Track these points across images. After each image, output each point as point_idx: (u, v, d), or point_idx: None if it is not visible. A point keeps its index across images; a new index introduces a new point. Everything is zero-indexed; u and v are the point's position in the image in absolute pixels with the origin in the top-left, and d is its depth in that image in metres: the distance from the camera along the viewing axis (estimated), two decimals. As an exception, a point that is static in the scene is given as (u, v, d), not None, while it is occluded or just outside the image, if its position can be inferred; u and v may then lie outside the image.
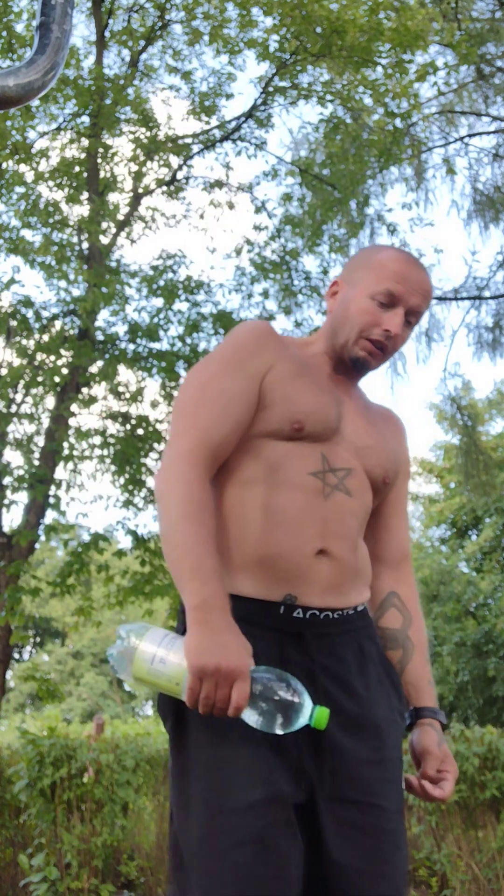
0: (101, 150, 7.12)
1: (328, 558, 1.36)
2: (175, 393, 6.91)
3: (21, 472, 6.61)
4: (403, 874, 1.29)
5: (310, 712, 1.18)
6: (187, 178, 8.09)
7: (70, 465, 6.98)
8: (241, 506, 1.36)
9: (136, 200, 7.84)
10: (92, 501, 7.21)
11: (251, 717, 1.18)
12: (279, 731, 1.17)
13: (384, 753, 1.33)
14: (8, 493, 6.60)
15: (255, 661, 1.25)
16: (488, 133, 9.64)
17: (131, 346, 7.17)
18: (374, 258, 1.49)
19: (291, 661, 1.30)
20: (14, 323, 6.79)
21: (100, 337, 7.07)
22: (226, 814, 1.20)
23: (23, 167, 6.99)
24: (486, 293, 9.37)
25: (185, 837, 1.25)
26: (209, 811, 1.21)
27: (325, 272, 8.29)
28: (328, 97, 7.58)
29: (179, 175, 7.98)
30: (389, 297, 1.44)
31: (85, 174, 7.14)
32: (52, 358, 6.67)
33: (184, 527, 1.26)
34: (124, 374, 7.40)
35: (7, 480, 6.63)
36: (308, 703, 1.18)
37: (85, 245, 7.28)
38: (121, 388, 7.21)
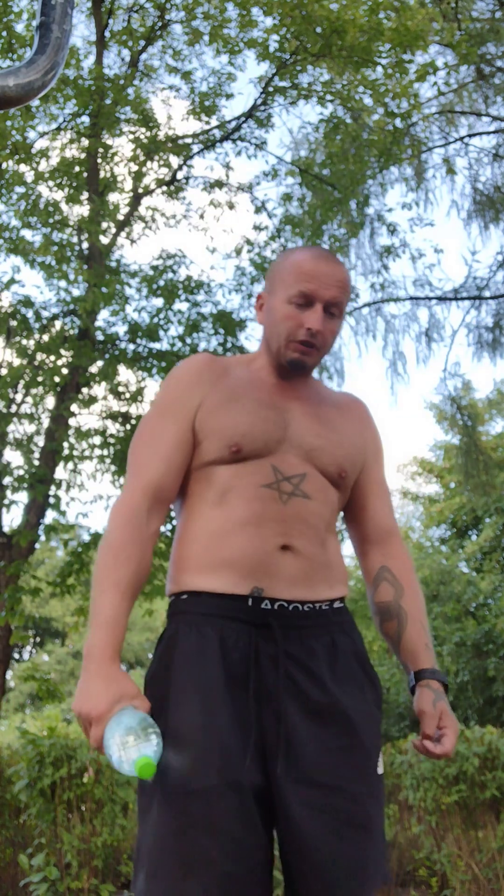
0: (101, 150, 7.11)
1: (293, 553, 1.43)
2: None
3: (21, 472, 6.61)
4: (372, 855, 1.33)
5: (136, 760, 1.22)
6: (187, 178, 8.09)
7: (70, 465, 6.98)
8: (206, 521, 1.46)
9: (136, 200, 7.84)
10: (92, 501, 7.20)
11: (111, 755, 1.25)
12: (125, 770, 1.23)
13: (352, 740, 1.37)
14: (8, 493, 6.60)
15: (227, 651, 1.37)
16: (488, 133, 9.64)
17: (131, 346, 7.17)
18: (285, 264, 1.56)
19: (261, 651, 1.38)
20: (14, 323, 6.79)
21: (100, 337, 7.06)
22: (181, 797, 1.28)
23: (23, 167, 6.99)
24: (486, 293, 9.37)
25: (146, 817, 1.33)
26: (168, 793, 1.30)
27: (325, 272, 8.26)
28: (328, 97, 7.58)
29: (179, 175, 7.98)
30: (304, 297, 1.50)
31: (85, 174, 7.14)
32: (52, 358, 6.66)
33: (97, 575, 1.40)
34: (124, 374, 7.41)
35: (7, 480, 6.63)
36: (140, 754, 1.22)
37: (85, 245, 7.27)
38: (121, 388, 7.20)
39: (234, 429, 1.46)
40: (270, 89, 7.55)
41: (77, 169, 7.10)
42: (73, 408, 6.83)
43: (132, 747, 1.23)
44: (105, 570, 1.39)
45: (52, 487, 6.69)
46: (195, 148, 7.89)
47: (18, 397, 7.07)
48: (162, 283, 7.19)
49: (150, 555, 1.44)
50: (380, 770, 1.41)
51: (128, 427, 7.13)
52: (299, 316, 1.50)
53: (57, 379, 6.57)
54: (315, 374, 1.68)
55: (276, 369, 1.57)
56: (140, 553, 1.41)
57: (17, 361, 6.78)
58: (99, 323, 7.12)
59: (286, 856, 1.33)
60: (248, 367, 1.60)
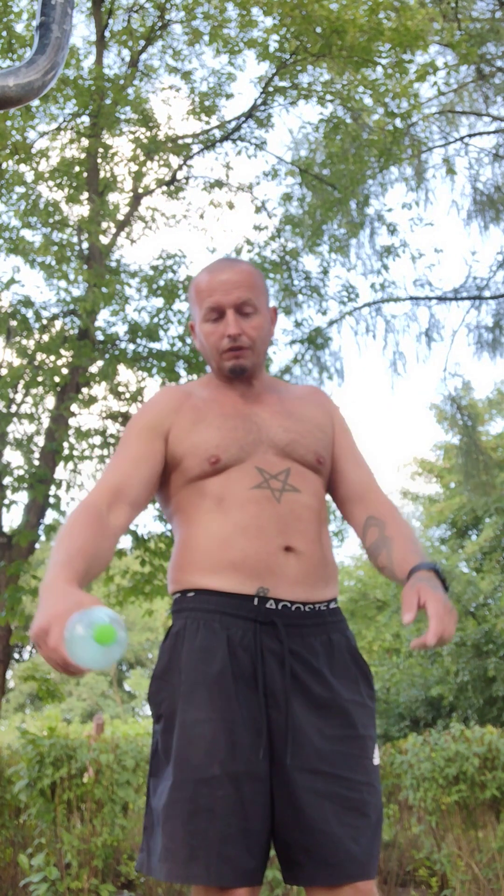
0: (101, 150, 7.11)
1: (295, 554, 1.50)
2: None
3: (21, 472, 6.61)
4: (372, 839, 1.41)
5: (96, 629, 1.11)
6: (187, 178, 8.09)
7: (70, 465, 6.98)
8: (206, 526, 1.53)
9: (136, 200, 7.84)
10: (92, 501, 7.19)
11: (75, 647, 1.13)
12: (88, 657, 1.12)
13: (351, 731, 1.45)
14: (8, 493, 6.60)
15: (234, 647, 1.43)
16: (488, 133, 9.64)
17: (131, 346, 7.16)
18: (191, 290, 1.68)
19: (266, 647, 1.45)
20: (14, 323, 6.78)
21: (100, 337, 7.06)
22: (187, 785, 1.37)
23: (23, 167, 6.99)
24: (486, 293, 9.38)
25: (155, 802, 1.43)
26: (175, 780, 1.39)
27: (325, 272, 8.28)
28: (328, 97, 7.58)
29: (179, 175, 7.98)
30: (213, 311, 1.62)
31: (85, 174, 7.14)
32: (52, 358, 6.66)
33: (53, 552, 1.38)
34: (124, 374, 7.40)
35: (7, 480, 6.62)
36: (97, 622, 1.11)
37: (85, 245, 7.27)
38: (121, 388, 7.20)
39: (208, 443, 1.55)
40: (270, 89, 7.54)
41: (77, 169, 7.10)
42: (73, 408, 6.83)
43: (91, 626, 1.11)
44: (58, 546, 1.37)
45: (52, 487, 6.68)
46: (195, 148, 7.89)
47: (18, 397, 7.07)
48: (162, 283, 7.19)
49: (108, 542, 1.43)
50: (376, 761, 1.48)
51: (128, 427, 7.12)
52: (217, 329, 1.61)
53: (57, 379, 6.57)
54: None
55: (228, 382, 1.67)
56: (92, 534, 1.41)
57: (17, 361, 6.78)
58: (99, 323, 7.12)
59: (288, 841, 1.40)
60: (207, 387, 1.69)
